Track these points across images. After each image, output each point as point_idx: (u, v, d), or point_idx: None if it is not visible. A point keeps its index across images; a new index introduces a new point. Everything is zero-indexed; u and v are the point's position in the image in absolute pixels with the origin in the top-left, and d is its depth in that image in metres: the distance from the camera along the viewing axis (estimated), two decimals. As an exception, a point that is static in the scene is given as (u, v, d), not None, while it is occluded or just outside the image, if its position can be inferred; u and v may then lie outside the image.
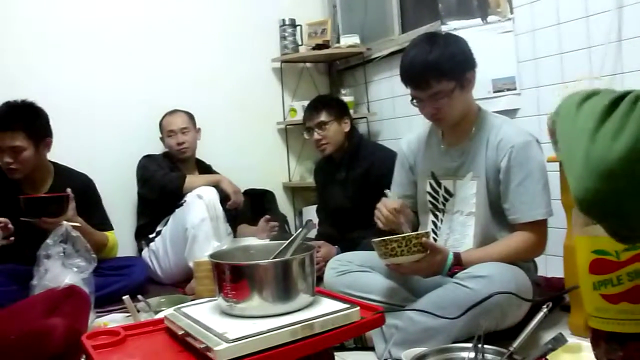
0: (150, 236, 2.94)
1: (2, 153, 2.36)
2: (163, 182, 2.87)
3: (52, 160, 2.59)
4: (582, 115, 0.66)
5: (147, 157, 3.04)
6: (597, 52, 2.21)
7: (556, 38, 2.38)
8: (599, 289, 0.76)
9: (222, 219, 2.76)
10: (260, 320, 1.16)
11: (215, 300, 1.31)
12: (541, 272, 2.14)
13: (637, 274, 0.72)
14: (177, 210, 2.80)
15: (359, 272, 1.91)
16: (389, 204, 1.81)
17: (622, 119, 0.60)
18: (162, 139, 3.13)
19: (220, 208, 2.76)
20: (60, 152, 2.62)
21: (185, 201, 2.76)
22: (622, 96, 0.64)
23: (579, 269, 0.79)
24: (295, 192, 3.80)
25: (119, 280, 2.50)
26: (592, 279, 0.76)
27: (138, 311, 1.97)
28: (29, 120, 2.39)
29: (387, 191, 1.90)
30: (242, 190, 3.42)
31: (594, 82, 2.22)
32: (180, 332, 1.20)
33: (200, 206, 2.68)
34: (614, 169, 0.59)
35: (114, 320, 2.04)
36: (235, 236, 3.03)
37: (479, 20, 2.70)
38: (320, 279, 1.99)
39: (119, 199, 3.07)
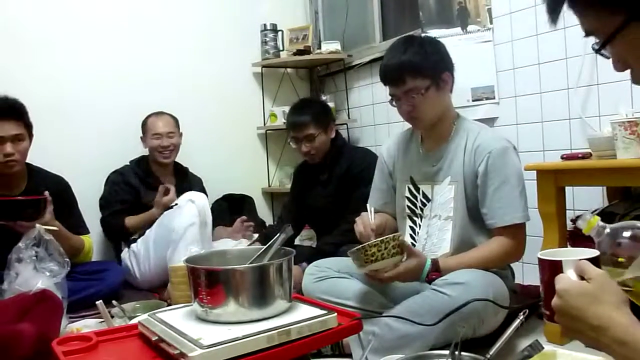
0: (133, 237, 2.90)
1: (4, 144, 2.28)
2: (105, 224, 2.95)
3: (27, 161, 2.48)
4: None
5: (113, 175, 3.01)
6: (574, 63, 2.25)
7: (534, 49, 2.41)
8: None
9: (210, 226, 2.76)
10: (236, 326, 1.14)
11: (190, 305, 1.29)
12: (518, 280, 2.16)
13: None
14: (165, 212, 2.79)
15: (337, 278, 1.90)
16: (366, 223, 1.77)
17: None
18: (142, 138, 3.09)
19: (211, 216, 2.75)
20: (36, 153, 2.55)
21: (176, 204, 2.74)
22: None
23: None
24: (274, 197, 3.78)
25: (93, 285, 2.44)
26: None
27: (112, 317, 1.93)
28: (24, 111, 2.34)
29: (368, 205, 1.87)
30: (221, 196, 3.41)
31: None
32: (154, 338, 1.18)
33: (192, 210, 2.66)
34: None
35: (87, 325, 2.01)
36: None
37: (458, 30, 2.72)
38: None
39: (96, 201, 3.01)
